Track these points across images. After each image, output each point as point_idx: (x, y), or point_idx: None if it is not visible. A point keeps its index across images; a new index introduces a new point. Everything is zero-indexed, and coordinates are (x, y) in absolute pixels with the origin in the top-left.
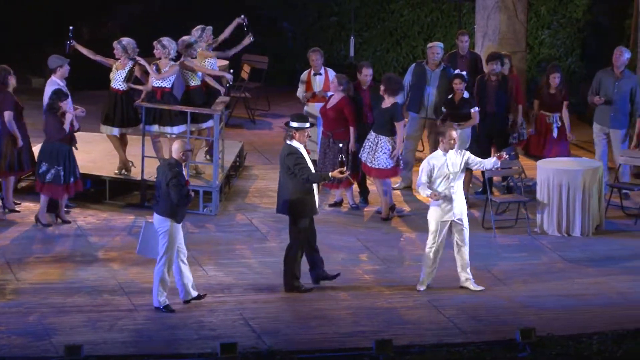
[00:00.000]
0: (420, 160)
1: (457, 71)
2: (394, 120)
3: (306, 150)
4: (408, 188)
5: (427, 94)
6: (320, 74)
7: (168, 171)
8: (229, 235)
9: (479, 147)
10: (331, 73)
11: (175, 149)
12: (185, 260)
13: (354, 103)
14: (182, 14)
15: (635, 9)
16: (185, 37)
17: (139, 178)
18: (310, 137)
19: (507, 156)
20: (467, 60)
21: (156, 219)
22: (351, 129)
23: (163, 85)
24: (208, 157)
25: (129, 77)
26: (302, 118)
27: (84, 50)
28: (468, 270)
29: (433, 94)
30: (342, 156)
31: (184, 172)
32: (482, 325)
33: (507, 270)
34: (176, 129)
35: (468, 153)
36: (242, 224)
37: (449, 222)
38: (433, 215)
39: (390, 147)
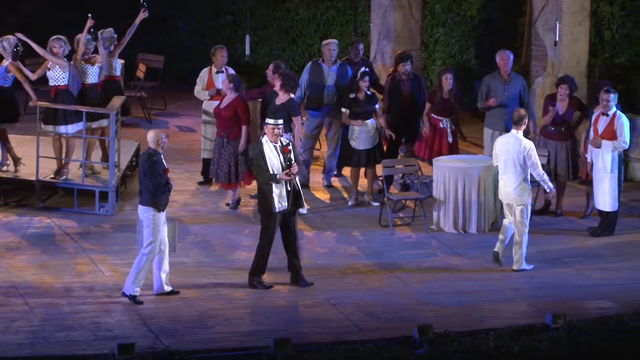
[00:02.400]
0: (317, 159)
1: (363, 69)
2: (292, 115)
3: (284, 147)
4: (305, 187)
5: (326, 92)
6: (222, 72)
7: (146, 161)
8: (126, 235)
9: (390, 144)
10: (231, 72)
11: (150, 138)
12: (166, 252)
13: (246, 102)
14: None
15: (529, 6)
16: (78, 35)
17: (33, 178)
18: (278, 134)
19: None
20: (360, 67)
21: (140, 209)
22: (243, 128)
23: (57, 84)
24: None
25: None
26: (273, 115)
27: None
28: (514, 250)
29: (332, 90)
30: (290, 157)
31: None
32: (380, 323)
33: (404, 267)
34: (71, 128)
35: None
36: None
37: None
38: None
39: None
